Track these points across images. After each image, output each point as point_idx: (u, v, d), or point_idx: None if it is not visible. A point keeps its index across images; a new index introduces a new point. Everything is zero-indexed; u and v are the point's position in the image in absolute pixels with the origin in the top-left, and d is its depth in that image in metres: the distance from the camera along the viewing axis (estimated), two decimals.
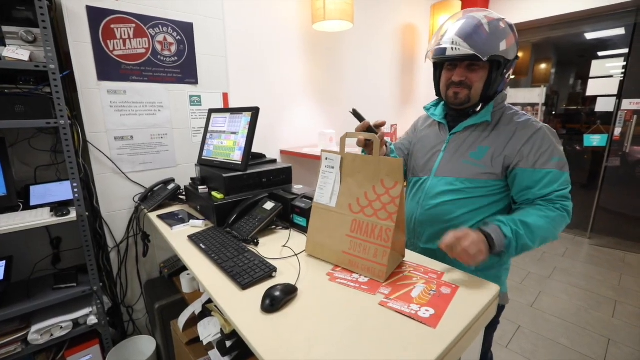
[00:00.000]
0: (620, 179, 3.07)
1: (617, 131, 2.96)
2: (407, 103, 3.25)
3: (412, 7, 3.05)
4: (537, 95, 3.47)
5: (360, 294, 0.77)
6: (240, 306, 0.73)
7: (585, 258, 2.87)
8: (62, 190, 1.42)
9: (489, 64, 0.90)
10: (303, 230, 1.15)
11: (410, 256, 0.95)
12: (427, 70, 3.34)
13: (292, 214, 1.19)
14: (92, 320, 1.39)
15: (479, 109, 0.98)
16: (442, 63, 0.98)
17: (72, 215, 1.29)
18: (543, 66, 3.61)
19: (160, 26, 1.57)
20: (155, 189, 1.54)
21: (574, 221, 0.95)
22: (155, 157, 1.66)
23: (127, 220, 1.61)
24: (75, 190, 1.28)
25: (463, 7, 2.90)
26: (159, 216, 1.34)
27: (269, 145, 2.20)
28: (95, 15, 1.40)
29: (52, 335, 1.30)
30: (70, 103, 1.41)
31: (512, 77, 0.84)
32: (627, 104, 2.87)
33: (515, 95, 3.59)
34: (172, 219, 1.29)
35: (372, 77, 2.83)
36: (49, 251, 1.51)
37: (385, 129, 1.90)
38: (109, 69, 1.46)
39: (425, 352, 0.58)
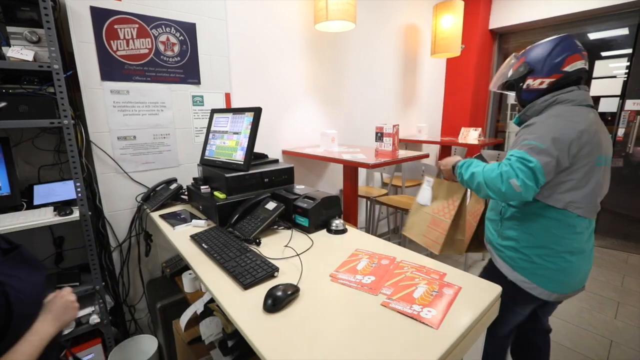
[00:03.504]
0: (623, 179, 3.04)
1: (621, 132, 2.94)
2: (409, 104, 3.25)
3: (414, 8, 3.05)
4: None
5: (363, 294, 0.77)
6: (242, 306, 0.73)
7: None
8: (66, 190, 1.43)
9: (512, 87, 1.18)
10: (305, 230, 1.15)
11: (413, 257, 0.95)
12: (429, 71, 3.34)
13: (294, 214, 1.19)
14: (95, 319, 1.39)
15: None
16: None
17: (75, 214, 1.29)
18: None
19: (163, 26, 1.57)
20: (158, 188, 1.54)
21: None
22: (158, 157, 1.66)
23: (130, 220, 1.61)
24: (79, 189, 1.29)
25: (465, 9, 2.90)
26: (162, 216, 1.35)
27: (271, 145, 2.20)
28: (99, 16, 1.40)
29: None
30: (74, 103, 1.41)
31: (541, 85, 1.06)
32: (631, 105, 2.86)
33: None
34: (175, 219, 1.30)
35: (374, 77, 2.83)
36: (51, 250, 1.51)
37: (387, 130, 1.93)
38: (112, 69, 1.47)
39: (427, 352, 0.58)
